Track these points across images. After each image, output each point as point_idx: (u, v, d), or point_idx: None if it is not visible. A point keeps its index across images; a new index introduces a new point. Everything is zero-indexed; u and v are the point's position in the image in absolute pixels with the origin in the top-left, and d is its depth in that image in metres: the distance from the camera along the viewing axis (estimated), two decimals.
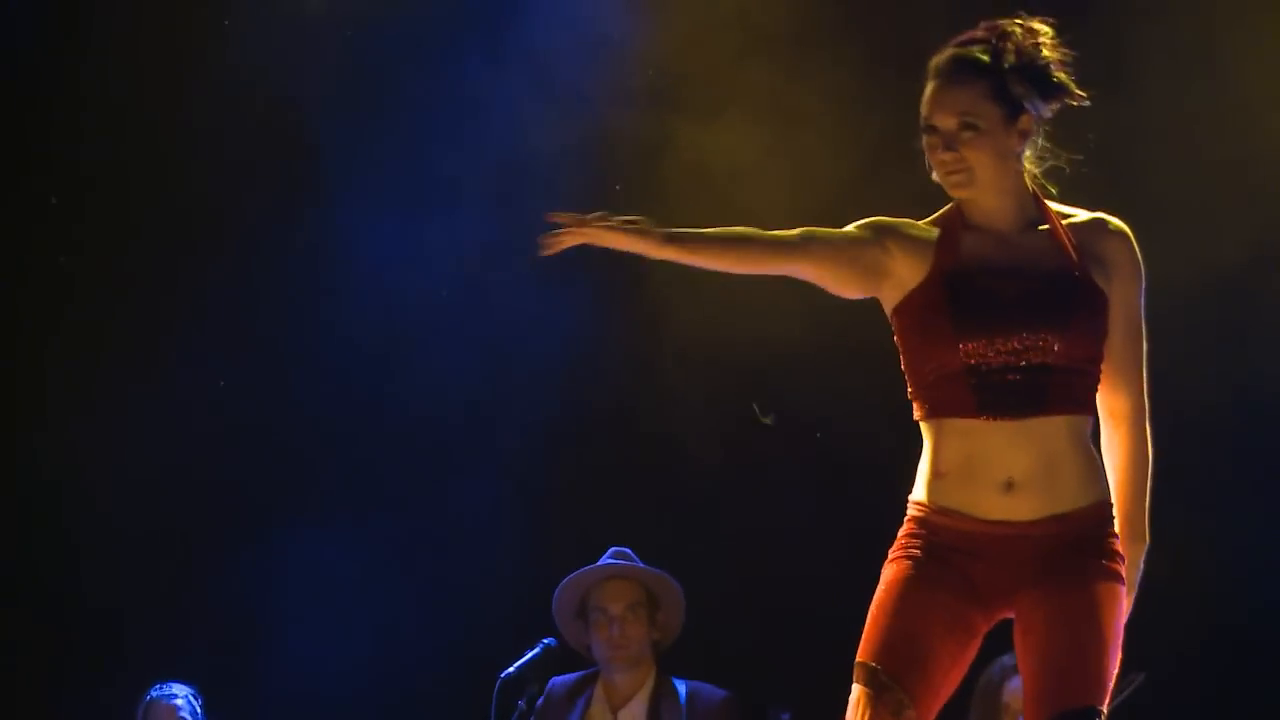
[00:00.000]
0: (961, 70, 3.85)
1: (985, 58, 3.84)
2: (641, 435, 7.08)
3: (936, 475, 3.88)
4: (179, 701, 6.67)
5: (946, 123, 3.84)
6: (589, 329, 7.06)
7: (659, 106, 7.00)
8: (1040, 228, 3.92)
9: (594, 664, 6.33)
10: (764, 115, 6.89)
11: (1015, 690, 5.83)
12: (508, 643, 6.29)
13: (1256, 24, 6.62)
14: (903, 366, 3.95)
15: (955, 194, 3.91)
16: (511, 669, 6.09)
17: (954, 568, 3.84)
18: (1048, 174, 3.98)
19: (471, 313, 7.20)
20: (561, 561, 6.55)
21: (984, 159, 3.85)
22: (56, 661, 7.28)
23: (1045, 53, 3.86)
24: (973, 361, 3.81)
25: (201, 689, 6.76)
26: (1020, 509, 3.82)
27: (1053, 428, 3.81)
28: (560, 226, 3.76)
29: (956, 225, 3.91)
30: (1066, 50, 3.89)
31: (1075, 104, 3.90)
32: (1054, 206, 3.96)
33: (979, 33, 3.89)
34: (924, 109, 3.88)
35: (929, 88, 3.88)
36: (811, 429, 6.90)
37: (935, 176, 3.92)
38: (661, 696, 6.23)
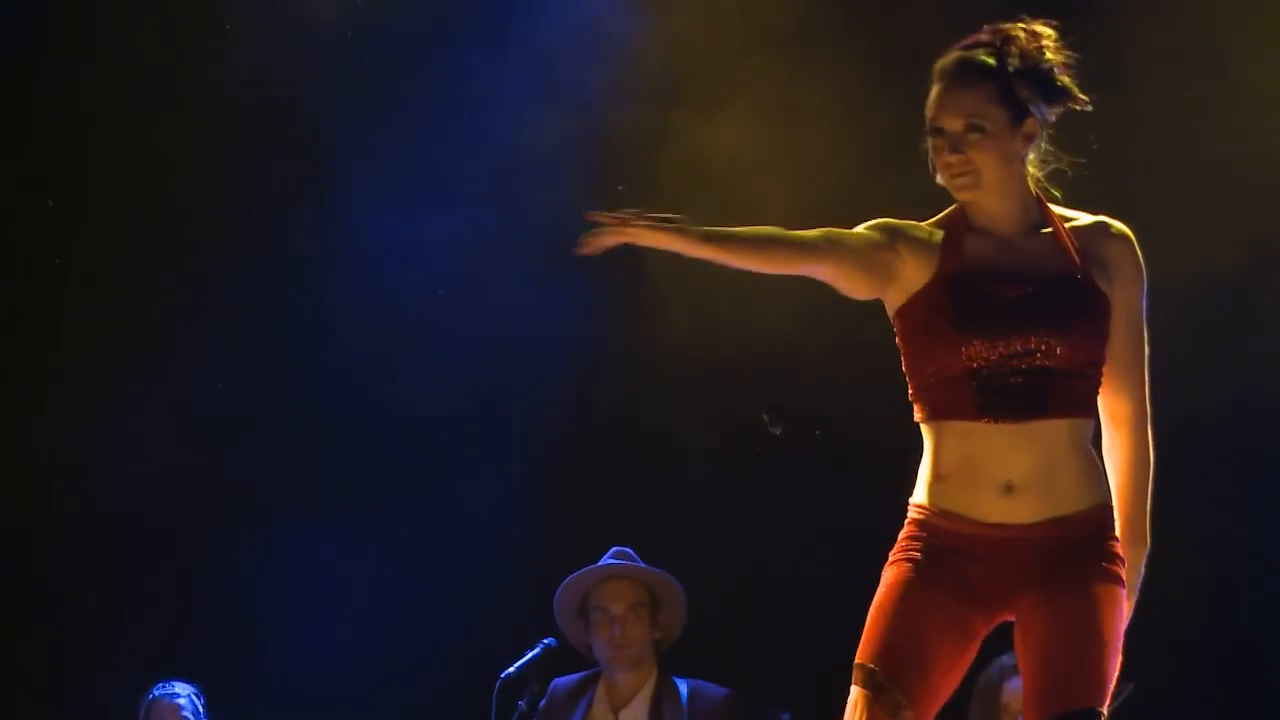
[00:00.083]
0: (968, 73, 3.86)
1: (991, 61, 3.86)
2: (641, 435, 7.07)
3: (937, 478, 3.89)
4: (181, 700, 6.67)
5: (953, 125, 3.86)
6: (590, 328, 7.06)
7: (661, 102, 6.99)
8: (1043, 231, 3.94)
9: (595, 664, 6.33)
10: (766, 112, 6.89)
11: (1014, 690, 5.84)
12: (508, 642, 6.28)
13: (1257, 24, 6.62)
14: (904, 368, 3.96)
15: (960, 196, 3.91)
16: (512, 669, 6.08)
17: (953, 570, 3.84)
18: (1049, 176, 3.99)
19: (472, 310, 7.20)
20: (561, 561, 6.55)
21: (990, 161, 3.86)
22: (57, 659, 7.27)
23: (1049, 56, 3.88)
24: (974, 364, 3.82)
25: (203, 687, 6.76)
26: (1020, 511, 3.83)
27: (1053, 431, 3.82)
28: (599, 225, 3.71)
29: (960, 228, 3.93)
30: (1070, 54, 3.90)
31: (1078, 108, 3.91)
32: (1056, 210, 3.98)
33: (984, 36, 3.91)
34: (930, 111, 3.89)
35: (935, 90, 3.89)
36: (811, 428, 6.90)
37: (939, 179, 3.93)
38: (663, 696, 6.22)
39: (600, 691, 6.29)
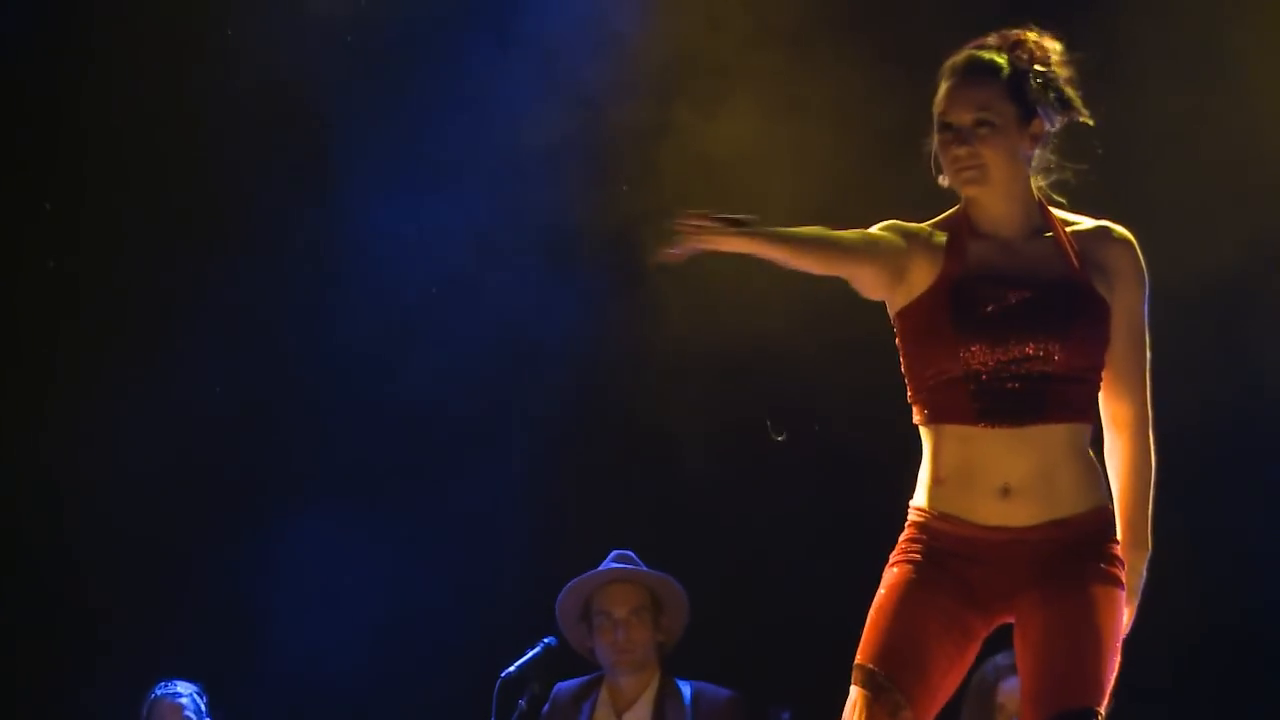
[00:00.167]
0: (979, 69, 3.90)
1: (1002, 60, 3.90)
2: (640, 433, 7.07)
3: (936, 481, 3.90)
4: (184, 700, 6.66)
5: (963, 119, 3.88)
6: (590, 326, 7.06)
7: (663, 99, 6.99)
8: (1045, 235, 3.95)
9: (597, 667, 6.34)
10: (768, 108, 6.88)
11: (1009, 690, 5.85)
12: (509, 641, 6.29)
13: (1257, 24, 6.62)
14: (903, 370, 3.97)
15: (967, 191, 3.92)
16: (512, 668, 6.11)
17: (953, 572, 3.86)
18: (1052, 186, 4.00)
19: (473, 308, 7.19)
20: (562, 560, 6.56)
21: (998, 157, 3.88)
22: (57, 657, 7.26)
23: (1057, 68, 3.92)
24: (973, 368, 3.83)
25: (205, 686, 6.75)
26: (1018, 514, 3.84)
27: (1051, 435, 3.84)
28: (678, 231, 3.68)
29: (964, 231, 3.94)
30: (1074, 69, 3.95)
31: (1082, 120, 3.95)
32: (1058, 214, 3.99)
33: (993, 39, 3.95)
34: (939, 107, 3.91)
35: (944, 86, 3.91)
36: (811, 428, 6.90)
37: (944, 178, 3.95)
38: (666, 698, 6.23)
39: (603, 695, 6.29)
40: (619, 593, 6.26)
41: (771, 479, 6.93)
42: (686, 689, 6.26)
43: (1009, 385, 3.82)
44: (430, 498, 7.15)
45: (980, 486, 3.85)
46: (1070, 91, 3.93)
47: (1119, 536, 3.93)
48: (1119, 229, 3.99)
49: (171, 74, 7.24)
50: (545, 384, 7.16)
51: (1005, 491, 3.83)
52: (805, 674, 5.71)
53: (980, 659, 4.07)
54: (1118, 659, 3.82)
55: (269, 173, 7.27)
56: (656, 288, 6.86)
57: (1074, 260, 3.90)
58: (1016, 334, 3.82)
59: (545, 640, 6.19)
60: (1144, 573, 3.97)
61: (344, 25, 7.17)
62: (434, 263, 7.15)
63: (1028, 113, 3.89)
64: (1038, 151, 3.95)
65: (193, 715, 6.65)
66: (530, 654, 6.14)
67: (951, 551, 3.86)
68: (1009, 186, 3.92)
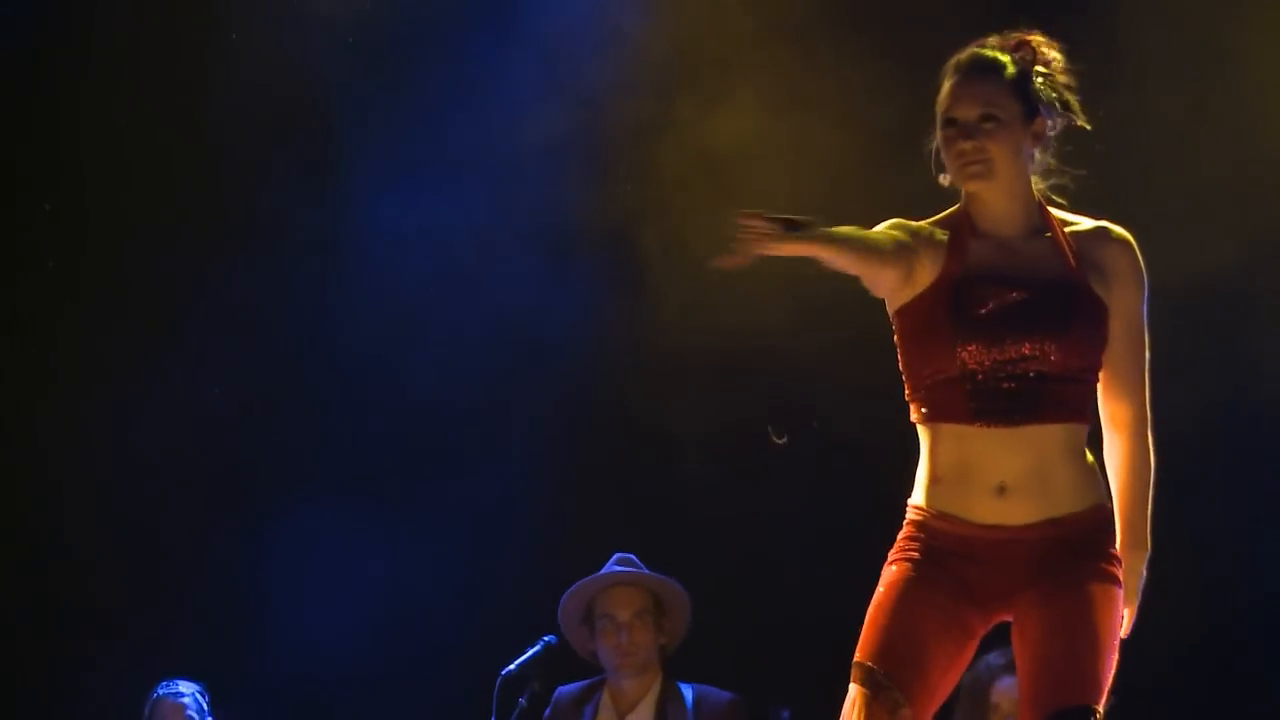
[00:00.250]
0: (984, 66, 3.92)
1: (1006, 58, 3.93)
2: (640, 433, 7.07)
3: (933, 480, 3.92)
4: (186, 699, 6.66)
5: (968, 114, 3.89)
6: (589, 324, 7.06)
7: (665, 94, 6.99)
8: (1045, 235, 3.96)
9: (597, 669, 6.34)
10: (770, 105, 6.89)
11: (1003, 690, 5.86)
12: (509, 639, 6.29)
13: (1257, 23, 6.62)
14: (901, 367, 3.98)
15: (971, 186, 3.93)
16: (512, 666, 6.11)
17: (951, 570, 3.87)
18: (1051, 189, 4.02)
19: (474, 304, 7.20)
20: (561, 559, 6.57)
21: (1004, 152, 3.89)
22: (59, 650, 7.27)
23: (1056, 70, 3.96)
24: (970, 368, 3.84)
25: (207, 684, 6.76)
26: (1014, 513, 3.85)
27: (1046, 435, 3.84)
28: (743, 236, 3.64)
29: (965, 230, 3.95)
30: (1074, 76, 3.97)
31: (1079, 124, 3.97)
32: (1058, 214, 4.00)
33: (994, 40, 3.97)
34: (943, 103, 3.93)
35: (949, 83, 3.93)
36: (810, 426, 6.90)
37: (945, 177, 3.96)
38: (668, 701, 6.23)
39: (605, 698, 6.29)
40: (622, 596, 6.26)
41: (771, 477, 6.93)
42: (688, 692, 6.26)
43: (1004, 385, 3.83)
44: (432, 496, 7.15)
45: (976, 485, 3.86)
46: (1070, 96, 3.96)
47: (1118, 537, 3.93)
48: (1118, 229, 3.99)
49: (175, 71, 7.25)
50: (546, 382, 7.16)
51: (1001, 490, 3.84)
52: (804, 672, 5.71)
53: (974, 658, 4.08)
54: (1115, 657, 3.83)
55: (271, 170, 7.28)
56: (656, 286, 6.87)
57: (1072, 260, 3.91)
58: (1013, 334, 3.83)
59: (545, 638, 6.20)
60: (1144, 573, 3.98)
61: (346, 23, 7.17)
62: (436, 259, 7.15)
63: (1031, 111, 3.92)
64: (1038, 152, 3.96)
65: (195, 715, 6.66)
66: (530, 652, 6.15)
67: (949, 550, 3.87)
68: (1012, 184, 3.93)
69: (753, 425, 6.91)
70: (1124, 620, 3.92)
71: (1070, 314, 3.86)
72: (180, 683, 6.70)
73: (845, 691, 3.87)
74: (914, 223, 3.97)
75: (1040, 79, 3.93)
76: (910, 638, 3.82)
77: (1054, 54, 3.97)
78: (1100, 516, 3.90)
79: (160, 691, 6.67)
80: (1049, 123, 3.94)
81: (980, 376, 3.83)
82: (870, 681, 3.82)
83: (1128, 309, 3.94)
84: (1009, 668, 5.62)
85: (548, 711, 6.29)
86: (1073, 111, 3.96)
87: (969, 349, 3.83)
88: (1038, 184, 3.99)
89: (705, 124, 6.89)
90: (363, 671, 7.18)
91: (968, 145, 3.88)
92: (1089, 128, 3.97)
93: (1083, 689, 3.76)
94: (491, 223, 7.13)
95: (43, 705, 7.28)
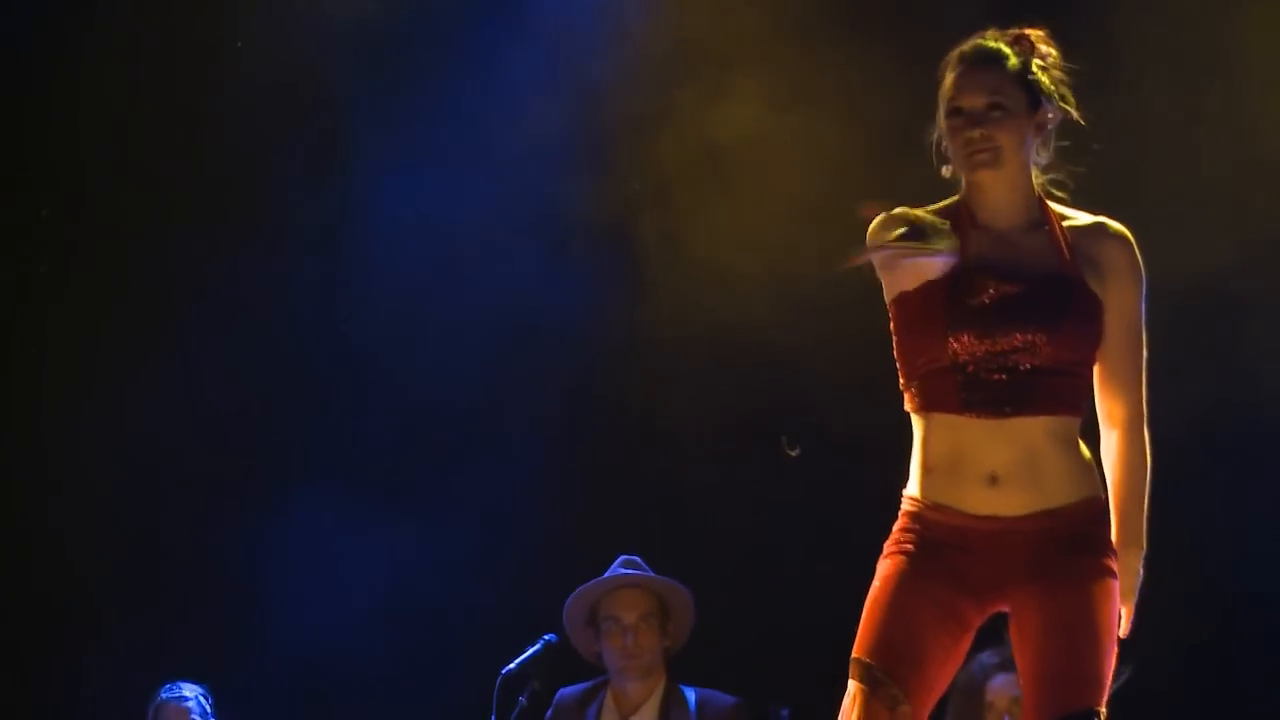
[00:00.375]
0: (989, 57, 3.94)
1: (1008, 49, 3.95)
2: (640, 432, 7.05)
3: (926, 470, 3.92)
4: (190, 703, 6.65)
5: (976, 103, 3.91)
6: (590, 323, 7.06)
7: (668, 87, 6.98)
8: (1042, 228, 3.97)
9: (599, 670, 6.34)
10: (773, 97, 6.88)
11: (998, 688, 5.86)
12: (509, 639, 6.29)
13: (1255, 22, 6.62)
14: (895, 356, 3.99)
15: (979, 175, 3.94)
16: (513, 665, 6.11)
17: (946, 562, 3.86)
18: (1049, 184, 4.04)
19: (476, 298, 7.19)
20: (562, 558, 6.58)
21: (1010, 141, 3.92)
22: (58, 648, 7.27)
23: (1053, 64, 3.99)
24: (961, 359, 3.85)
25: (204, 679, 6.77)
26: (1008, 504, 3.85)
27: (1035, 426, 3.85)
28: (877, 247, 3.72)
29: (965, 221, 3.95)
30: (1069, 74, 4.00)
31: (1075, 120, 3.99)
32: (1057, 208, 4.01)
33: (992, 33, 4.00)
34: (949, 93, 3.95)
35: (954, 74, 3.95)
36: (811, 422, 6.90)
37: (947, 169, 3.99)
38: (671, 704, 6.23)
39: (608, 700, 6.29)
40: (628, 598, 6.25)
41: (770, 474, 6.92)
42: (692, 695, 6.26)
43: (995, 376, 3.83)
44: (432, 495, 7.14)
45: (968, 474, 3.86)
46: (1065, 90, 3.98)
47: (1114, 534, 3.93)
48: (1115, 225, 4.00)
49: (176, 66, 7.25)
50: (548, 380, 7.15)
51: (993, 480, 3.84)
52: (803, 669, 5.72)
53: (970, 655, 4.09)
54: (1115, 651, 3.84)
55: (272, 162, 7.28)
56: (657, 280, 6.88)
57: (1067, 255, 3.92)
58: (1005, 326, 3.83)
59: (545, 637, 6.20)
60: (1140, 571, 3.97)
61: (347, 19, 7.15)
62: (438, 254, 7.14)
63: (1034, 101, 3.94)
64: (1039, 145, 3.98)
65: (199, 717, 6.65)
66: (531, 651, 6.15)
67: (944, 541, 3.87)
68: (1015, 175, 3.95)
69: (753, 421, 6.92)
70: (1122, 619, 3.91)
71: (1063, 308, 3.87)
72: (183, 685, 6.70)
73: (844, 688, 3.86)
74: (919, 213, 3.96)
75: (1041, 70, 3.95)
76: (908, 633, 3.82)
77: (1049, 48, 3.99)
78: (1095, 509, 3.90)
79: (164, 694, 6.67)
80: (1050, 113, 3.97)
81: (971, 367, 3.84)
82: (869, 678, 3.82)
83: (1123, 305, 3.94)
84: (1004, 665, 5.64)
85: (549, 713, 6.29)
86: (1069, 104, 3.98)
87: (961, 339, 3.84)
88: (1037, 178, 4.01)
89: (707, 118, 6.90)
90: (364, 671, 7.17)
91: (976, 134, 3.90)
92: (1084, 122, 3.99)
93: (1084, 691, 3.77)
94: (495, 216, 7.12)
95: (43, 705, 7.28)
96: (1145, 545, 3.99)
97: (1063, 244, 3.94)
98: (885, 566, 3.92)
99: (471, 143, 7.15)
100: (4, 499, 7.40)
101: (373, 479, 7.25)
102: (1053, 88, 3.96)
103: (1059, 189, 4.04)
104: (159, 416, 7.20)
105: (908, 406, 3.97)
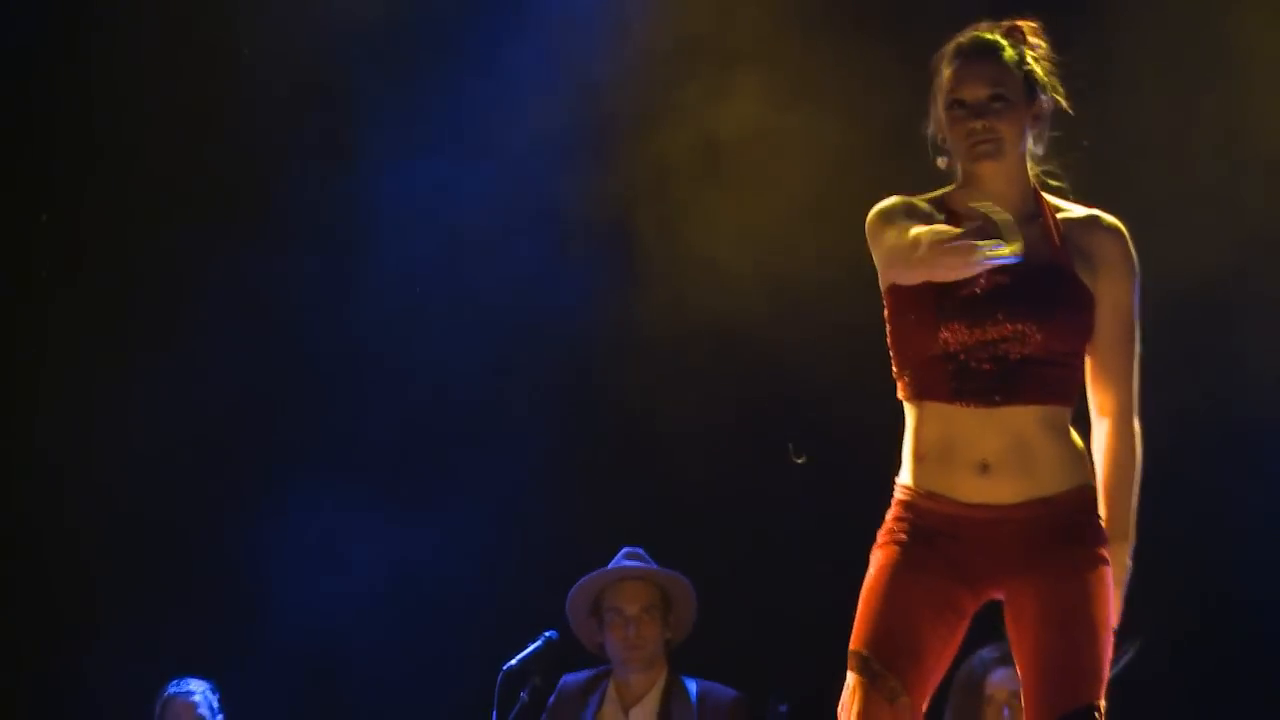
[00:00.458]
0: (987, 49, 3.97)
1: (1004, 41, 3.98)
2: (641, 427, 7.04)
3: (918, 458, 3.93)
4: (196, 698, 6.68)
5: (977, 94, 3.93)
6: (591, 320, 7.07)
7: (669, 84, 6.99)
8: (1036, 220, 3.97)
9: (604, 662, 6.36)
10: (774, 95, 6.88)
11: (997, 682, 5.86)
12: (510, 635, 6.30)
13: (1253, 21, 6.62)
14: (888, 344, 4.01)
15: (981, 166, 3.95)
16: (514, 661, 6.12)
17: (939, 550, 3.87)
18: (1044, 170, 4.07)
19: (478, 294, 7.19)
20: (563, 553, 6.58)
21: (1011, 131, 3.94)
22: (61, 642, 7.27)
23: (1043, 54, 4.01)
24: (951, 348, 3.86)
25: (209, 674, 6.78)
26: (1000, 491, 3.86)
27: (1024, 415, 3.85)
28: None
29: (960, 211, 3.95)
30: (1061, 68, 4.02)
31: (1065, 111, 4.02)
32: (1052, 200, 4.02)
33: (985, 25, 4.02)
34: (948, 85, 3.96)
35: (953, 67, 3.96)
36: (810, 416, 6.90)
37: (944, 159, 4.01)
38: (673, 696, 6.25)
39: (610, 690, 6.31)
40: (631, 590, 6.28)
41: (770, 469, 6.92)
42: (693, 687, 6.28)
43: (985, 365, 3.85)
44: (435, 490, 7.13)
45: (959, 462, 3.87)
46: (1055, 80, 4.00)
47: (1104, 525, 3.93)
48: (1108, 218, 4.02)
49: (182, 60, 7.27)
50: (549, 375, 7.15)
51: (984, 467, 3.86)
52: (802, 663, 5.72)
53: (967, 650, 4.09)
54: (1111, 641, 3.85)
55: (276, 155, 7.27)
56: (657, 276, 6.88)
57: (1058, 246, 3.93)
58: (994, 316, 3.84)
59: (546, 633, 6.20)
60: (1128, 564, 3.97)
61: (352, 13, 7.17)
62: (440, 250, 7.14)
63: (1031, 91, 3.97)
64: (1034, 136, 4.00)
65: (206, 713, 6.67)
66: (532, 647, 6.15)
67: (937, 530, 3.88)
68: (1013, 166, 3.97)
69: (753, 416, 6.91)
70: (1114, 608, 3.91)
71: (1054, 299, 3.87)
72: (190, 681, 6.72)
73: (843, 681, 3.88)
74: (916, 200, 4.00)
75: (1033, 62, 3.98)
76: (905, 624, 3.83)
77: (1039, 40, 4.01)
78: (1085, 497, 3.91)
79: (171, 690, 6.69)
80: (1046, 104, 3.99)
81: (962, 356, 3.85)
82: (867, 670, 3.83)
83: (1116, 297, 3.95)
84: (1003, 660, 5.64)
85: (552, 698, 6.30)
86: (1060, 95, 4.00)
87: (952, 328, 3.85)
88: (1031, 169, 4.02)
89: (708, 115, 6.91)
90: (368, 667, 7.17)
91: (978, 124, 3.91)
92: (1072, 112, 4.01)
93: (1082, 686, 3.78)
94: (498, 212, 7.12)
95: (47, 701, 7.29)
96: (1134, 538, 3.99)
97: (1055, 235, 3.95)
98: (879, 556, 3.93)
99: (474, 139, 7.15)
100: (7, 496, 7.40)
101: (375, 475, 7.24)
102: (1045, 79, 3.99)
103: (1051, 179, 4.06)
104: (162, 412, 7.21)
105: (900, 395, 3.99)
